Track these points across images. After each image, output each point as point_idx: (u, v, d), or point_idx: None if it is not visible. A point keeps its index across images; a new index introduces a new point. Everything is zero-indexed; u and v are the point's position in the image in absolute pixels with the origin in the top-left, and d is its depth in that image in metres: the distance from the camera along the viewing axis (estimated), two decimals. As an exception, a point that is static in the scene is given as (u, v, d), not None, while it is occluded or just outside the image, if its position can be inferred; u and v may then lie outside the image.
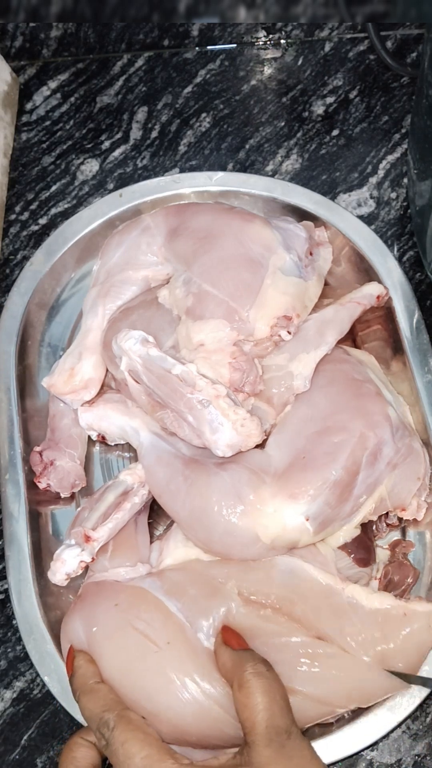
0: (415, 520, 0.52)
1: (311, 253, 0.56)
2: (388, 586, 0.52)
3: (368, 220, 0.65)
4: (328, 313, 0.54)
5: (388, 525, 0.54)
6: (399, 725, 0.48)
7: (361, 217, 0.64)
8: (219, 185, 0.61)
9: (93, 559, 0.49)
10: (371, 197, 0.66)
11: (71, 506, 0.57)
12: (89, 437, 0.58)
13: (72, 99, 0.71)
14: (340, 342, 0.54)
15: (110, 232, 0.60)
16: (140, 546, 0.52)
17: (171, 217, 0.57)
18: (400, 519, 0.54)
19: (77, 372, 0.55)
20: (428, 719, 0.53)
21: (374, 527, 0.54)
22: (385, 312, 0.58)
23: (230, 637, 0.45)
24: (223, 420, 0.48)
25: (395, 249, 0.64)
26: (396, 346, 0.57)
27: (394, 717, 0.48)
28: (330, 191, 0.66)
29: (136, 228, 0.58)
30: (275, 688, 0.41)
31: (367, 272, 0.59)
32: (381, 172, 0.67)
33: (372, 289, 0.56)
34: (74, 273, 0.62)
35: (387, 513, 0.52)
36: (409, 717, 0.48)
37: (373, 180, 0.67)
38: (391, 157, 0.67)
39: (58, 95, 0.72)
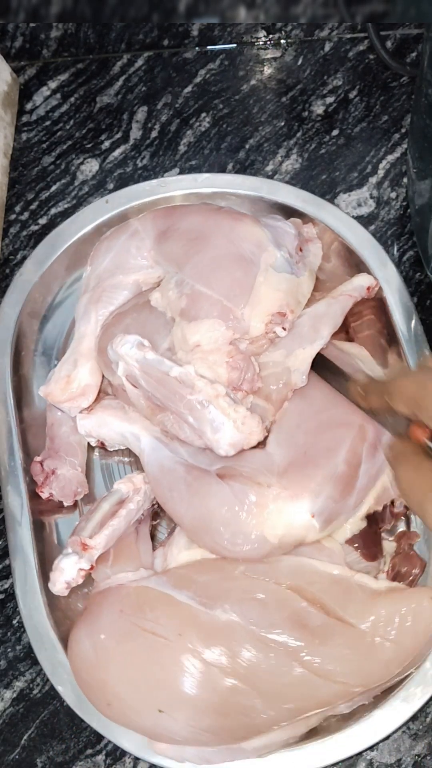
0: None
1: (301, 250, 0.56)
2: (395, 578, 0.52)
3: (368, 219, 0.65)
4: (321, 308, 0.54)
5: (393, 514, 0.54)
6: (400, 727, 0.48)
7: (361, 217, 0.65)
8: (205, 187, 0.61)
9: (92, 566, 0.49)
10: (371, 197, 0.66)
11: (74, 515, 0.57)
12: (89, 444, 0.57)
13: (72, 99, 0.71)
14: (334, 335, 0.55)
15: (98, 238, 0.60)
16: (142, 553, 0.52)
17: (159, 220, 0.57)
18: (406, 506, 0.54)
19: (74, 379, 0.55)
20: (428, 719, 0.53)
21: (380, 518, 0.54)
22: (377, 303, 0.58)
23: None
24: (224, 419, 0.48)
25: (395, 249, 0.64)
26: (390, 338, 0.57)
27: (396, 717, 0.48)
28: (330, 191, 0.66)
29: (125, 233, 0.58)
30: None
31: (357, 266, 0.59)
32: (381, 172, 0.67)
33: (362, 281, 0.57)
34: (64, 281, 0.62)
35: (392, 501, 0.52)
36: (410, 718, 0.48)
37: (373, 180, 0.67)
38: (390, 157, 0.67)
39: (58, 95, 0.72)
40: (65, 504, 0.56)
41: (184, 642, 0.46)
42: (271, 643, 0.46)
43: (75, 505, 0.57)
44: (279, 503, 0.48)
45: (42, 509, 0.56)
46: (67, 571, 0.49)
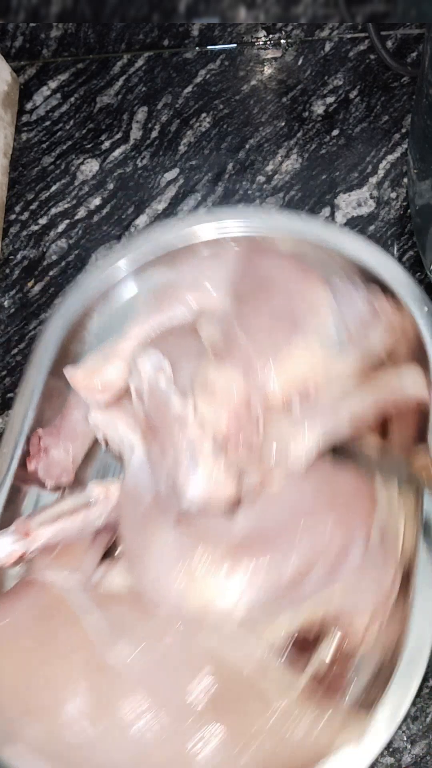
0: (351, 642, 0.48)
1: (365, 326, 0.50)
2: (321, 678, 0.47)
3: (368, 219, 0.65)
4: (352, 393, 0.49)
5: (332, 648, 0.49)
6: (399, 727, 0.48)
7: (361, 217, 0.64)
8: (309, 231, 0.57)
9: (24, 554, 0.48)
10: (371, 197, 0.66)
11: (56, 496, 0.56)
12: (96, 439, 0.57)
13: (72, 99, 0.71)
14: (361, 427, 0.50)
15: (189, 252, 0.59)
16: (86, 561, 0.51)
17: (243, 253, 0.56)
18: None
19: (99, 374, 0.55)
20: (428, 719, 0.53)
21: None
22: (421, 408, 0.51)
23: None
24: (200, 465, 0.47)
25: (395, 249, 0.64)
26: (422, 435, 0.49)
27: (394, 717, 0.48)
28: (330, 191, 0.66)
29: (211, 253, 0.58)
30: None
31: (420, 363, 0.51)
32: (381, 172, 0.67)
33: (414, 391, 0.49)
34: (146, 274, 0.61)
35: (328, 627, 0.48)
36: (408, 717, 0.48)
37: (373, 180, 0.67)
38: (391, 157, 0.67)
39: (58, 95, 0.72)
40: (46, 485, 0.55)
41: (64, 667, 0.45)
42: (164, 701, 0.43)
43: (61, 489, 0.56)
44: (214, 573, 0.45)
45: (27, 478, 0.55)
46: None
